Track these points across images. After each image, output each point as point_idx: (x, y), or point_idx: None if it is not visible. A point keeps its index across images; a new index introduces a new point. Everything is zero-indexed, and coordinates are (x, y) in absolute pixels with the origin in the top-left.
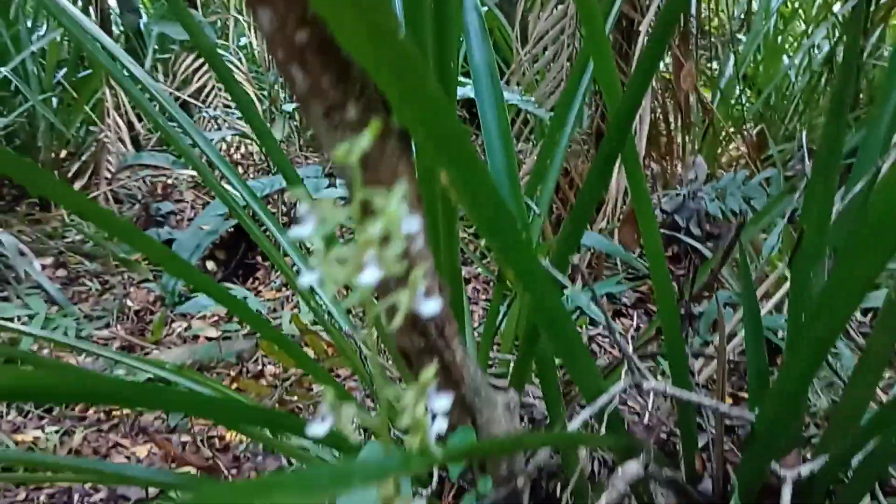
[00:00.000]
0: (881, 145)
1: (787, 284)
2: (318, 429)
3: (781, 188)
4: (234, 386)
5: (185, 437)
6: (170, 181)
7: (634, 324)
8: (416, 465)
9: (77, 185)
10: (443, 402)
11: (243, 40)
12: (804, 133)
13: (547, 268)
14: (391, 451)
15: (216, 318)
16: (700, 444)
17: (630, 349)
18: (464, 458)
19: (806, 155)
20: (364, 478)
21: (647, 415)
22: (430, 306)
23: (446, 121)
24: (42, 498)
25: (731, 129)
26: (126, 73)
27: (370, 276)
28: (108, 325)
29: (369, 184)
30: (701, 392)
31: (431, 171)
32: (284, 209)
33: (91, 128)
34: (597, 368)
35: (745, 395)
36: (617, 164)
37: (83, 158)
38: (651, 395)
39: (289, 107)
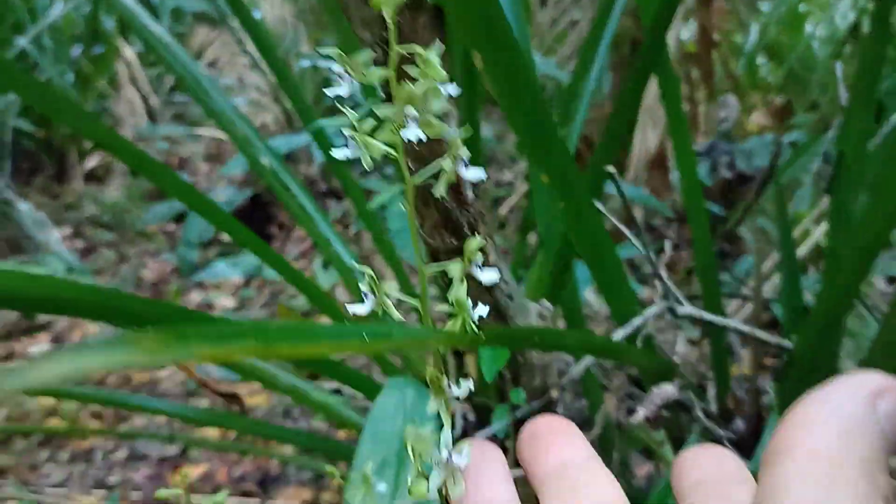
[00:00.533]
0: None
1: (812, 239)
2: (359, 309)
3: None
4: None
5: (204, 402)
6: (185, 154)
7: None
8: (457, 340)
9: (93, 159)
10: (491, 274)
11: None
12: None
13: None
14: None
15: (232, 287)
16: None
17: (665, 273)
18: (505, 345)
19: (841, 89)
20: (405, 338)
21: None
22: (475, 173)
23: None
24: (64, 457)
25: (755, 99)
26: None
27: (412, 133)
28: None
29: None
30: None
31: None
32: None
33: (106, 102)
34: (630, 288)
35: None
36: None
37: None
38: (678, 339)
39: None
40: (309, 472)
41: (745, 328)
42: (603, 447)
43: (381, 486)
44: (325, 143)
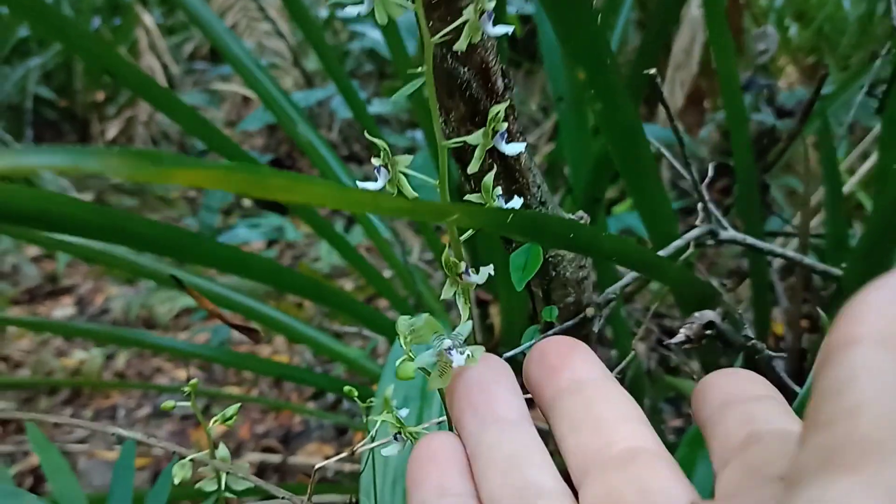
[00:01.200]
0: None
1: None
2: (370, 185)
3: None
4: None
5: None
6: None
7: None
8: (479, 217)
9: (114, 127)
10: (517, 146)
11: None
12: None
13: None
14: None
15: (254, 250)
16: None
17: (707, 195)
18: (534, 237)
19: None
20: (419, 208)
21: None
22: (500, 28)
23: None
24: (88, 414)
25: (785, 61)
26: None
27: None
28: None
29: None
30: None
31: None
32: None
33: None
34: (670, 204)
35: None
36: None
37: (120, 101)
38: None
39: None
40: (331, 428)
41: (791, 254)
42: (634, 394)
43: (404, 412)
44: (352, 98)
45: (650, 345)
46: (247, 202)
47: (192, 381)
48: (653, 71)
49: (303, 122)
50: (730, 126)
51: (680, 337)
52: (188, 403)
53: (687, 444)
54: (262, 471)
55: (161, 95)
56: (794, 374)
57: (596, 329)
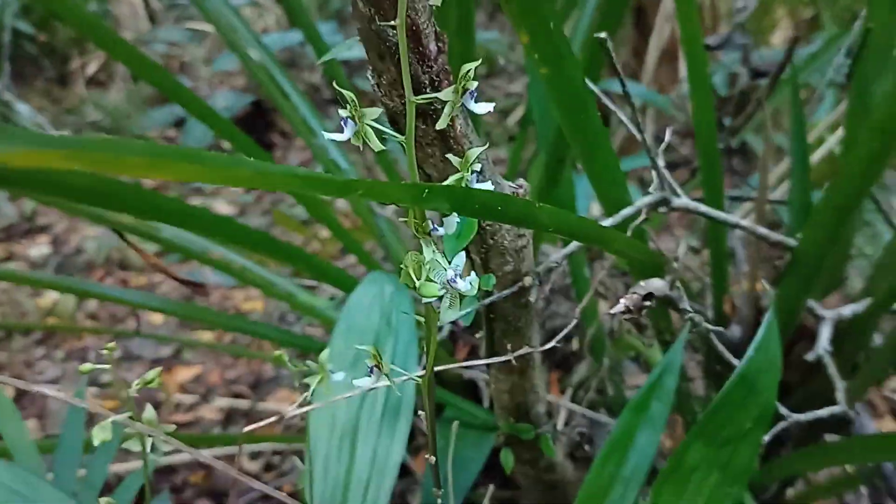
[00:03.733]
0: None
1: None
2: (337, 136)
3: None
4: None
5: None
6: (186, 58)
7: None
8: (394, 193)
9: (94, 63)
10: (486, 106)
11: None
12: None
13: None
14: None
15: (231, 193)
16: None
17: (661, 162)
18: (474, 210)
19: None
20: (331, 185)
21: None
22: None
23: None
24: (60, 355)
25: (782, 13)
26: None
27: None
28: None
29: None
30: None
31: None
32: (303, 88)
33: (107, 4)
34: (619, 168)
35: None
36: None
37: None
38: (681, 246)
39: None
40: (301, 375)
41: (744, 223)
42: (595, 355)
43: (339, 375)
44: (320, 44)
45: (612, 304)
46: (226, 144)
47: (109, 345)
48: (603, 35)
49: (275, 68)
50: (691, 87)
51: (619, 307)
52: (161, 347)
53: (630, 410)
54: (230, 416)
55: (124, 50)
56: (748, 339)
57: (533, 298)
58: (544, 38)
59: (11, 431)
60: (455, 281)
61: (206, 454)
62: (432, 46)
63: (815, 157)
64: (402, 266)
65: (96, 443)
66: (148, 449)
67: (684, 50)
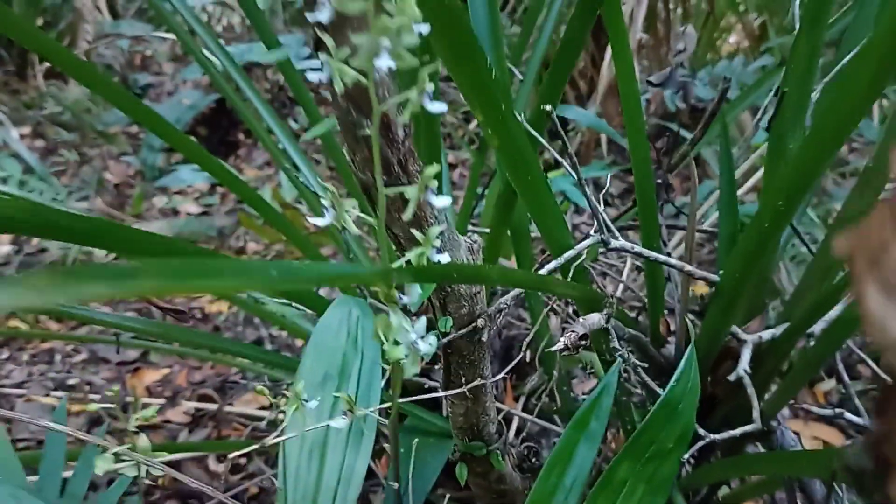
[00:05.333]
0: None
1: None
2: (319, 221)
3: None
4: None
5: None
6: (148, 52)
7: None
8: (372, 277)
9: None
10: (445, 200)
11: None
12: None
13: (521, 120)
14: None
15: (197, 192)
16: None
17: (601, 207)
18: (434, 280)
19: (796, 15)
20: (318, 277)
21: (620, 288)
22: (437, 106)
23: None
24: (24, 357)
25: (733, 19)
26: None
27: (384, 62)
28: (86, 198)
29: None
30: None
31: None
32: (268, 87)
33: None
34: (566, 223)
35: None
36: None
37: (60, 27)
38: (627, 265)
39: None
40: (267, 378)
41: (675, 262)
42: (546, 366)
43: (312, 404)
44: (282, 62)
45: (562, 319)
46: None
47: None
48: (548, 107)
49: (237, 73)
50: (628, 132)
51: (559, 345)
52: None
53: (571, 427)
54: (197, 419)
55: (71, 62)
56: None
57: (485, 338)
58: (495, 116)
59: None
60: (417, 343)
61: (200, 485)
62: (400, 132)
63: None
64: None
65: (100, 472)
66: (143, 474)
67: (621, 92)
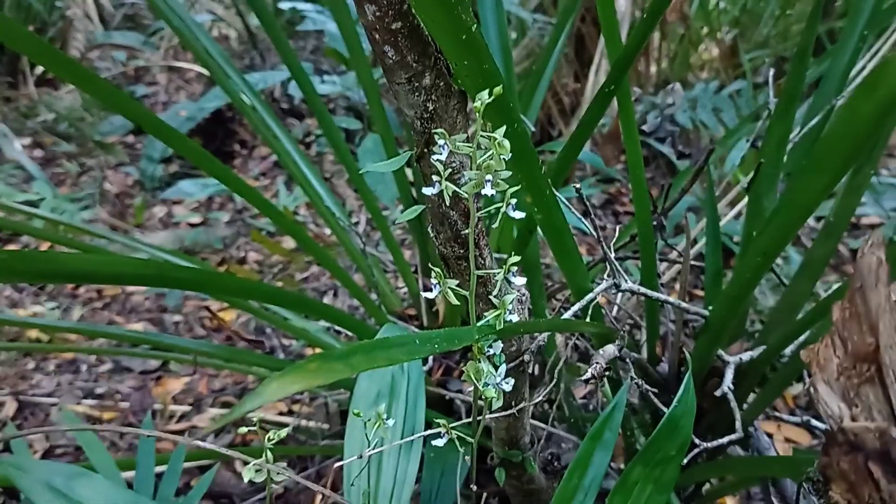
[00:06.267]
0: (838, 85)
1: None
2: (429, 294)
3: (751, 99)
4: (223, 269)
5: (177, 317)
6: (142, 62)
7: (602, 223)
8: (491, 332)
9: None
10: (521, 280)
11: None
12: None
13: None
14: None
15: (197, 204)
16: (660, 335)
17: (612, 255)
18: (500, 336)
19: (771, 82)
20: (441, 343)
21: (616, 308)
22: (518, 214)
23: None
24: (51, 367)
25: (706, 34)
26: None
27: (488, 189)
28: (87, 208)
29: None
30: (664, 291)
31: None
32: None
33: (58, 2)
34: (585, 268)
35: (701, 293)
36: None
37: (50, 35)
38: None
39: None
40: None
41: (672, 300)
42: (553, 377)
43: (391, 421)
44: (303, 82)
45: (566, 337)
46: None
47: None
48: (577, 186)
49: (244, 86)
50: (631, 181)
51: (587, 375)
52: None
53: (589, 438)
54: (222, 425)
55: (72, 69)
56: (674, 375)
57: (530, 370)
58: (540, 197)
59: (97, 457)
60: (501, 385)
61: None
62: (475, 215)
63: (734, 211)
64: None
65: (246, 479)
66: (271, 478)
67: (626, 148)
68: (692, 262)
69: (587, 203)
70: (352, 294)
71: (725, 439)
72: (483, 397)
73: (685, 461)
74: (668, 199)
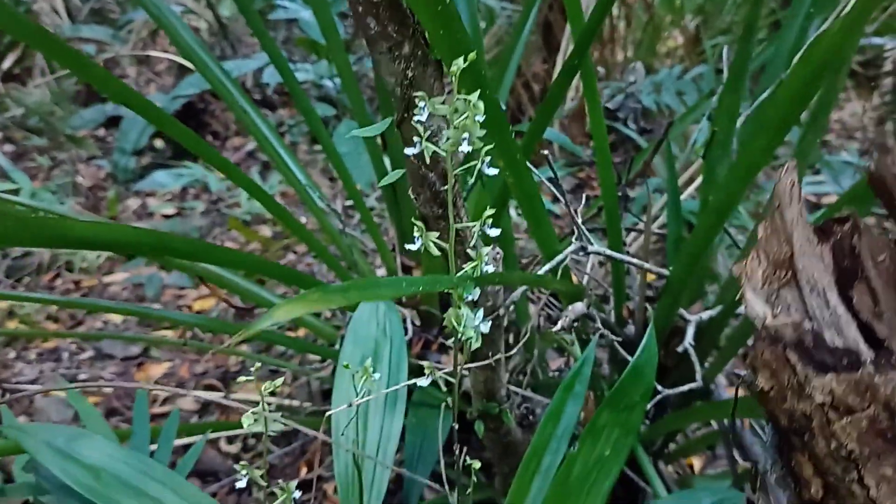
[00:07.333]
0: (785, 62)
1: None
2: (412, 246)
3: (713, 82)
4: None
5: (156, 306)
6: (111, 56)
7: (574, 208)
8: (470, 279)
9: (9, 57)
10: (495, 231)
11: None
12: (726, 49)
13: (520, 149)
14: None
15: (171, 195)
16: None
17: (580, 220)
18: (477, 284)
19: (725, 61)
20: (426, 286)
21: (585, 278)
22: (492, 171)
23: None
24: (32, 356)
25: (671, 22)
26: None
27: (465, 147)
28: (62, 203)
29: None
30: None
31: None
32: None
33: None
34: (555, 235)
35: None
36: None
37: None
38: (590, 259)
39: None
40: (265, 368)
41: (637, 262)
42: (526, 346)
43: (377, 375)
44: (285, 71)
45: (540, 307)
46: (159, 143)
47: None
48: (545, 152)
49: (222, 74)
50: (596, 155)
51: (558, 326)
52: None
53: (561, 389)
54: (205, 406)
55: (45, 38)
56: (639, 336)
57: (504, 323)
58: (511, 161)
59: (94, 425)
60: (479, 325)
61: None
62: (453, 179)
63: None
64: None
65: (246, 426)
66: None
67: (591, 125)
68: (656, 231)
69: (554, 170)
70: (331, 269)
71: (686, 387)
72: (462, 350)
73: (651, 413)
74: (632, 172)
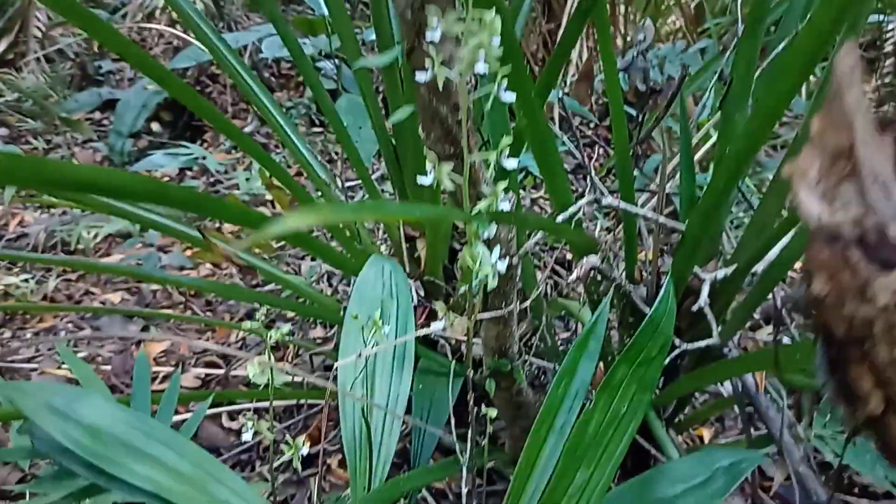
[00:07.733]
0: (800, 15)
1: (712, 139)
2: (425, 179)
3: (716, 54)
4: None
5: (154, 286)
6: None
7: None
8: (484, 215)
9: (3, 44)
10: (512, 161)
11: None
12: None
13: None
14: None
15: (169, 178)
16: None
17: (593, 173)
18: (503, 221)
19: (740, 20)
20: (449, 215)
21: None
22: (509, 96)
23: None
24: (28, 336)
25: (673, 3)
26: None
27: (481, 67)
28: None
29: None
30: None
31: None
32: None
33: None
34: (568, 185)
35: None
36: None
37: (9, 13)
38: (598, 225)
39: None
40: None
41: (652, 214)
42: (534, 313)
43: (386, 328)
44: (290, 43)
45: (547, 274)
46: (156, 127)
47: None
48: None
49: (228, 52)
50: (611, 113)
51: (573, 277)
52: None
53: (575, 347)
54: (206, 383)
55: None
56: (651, 297)
57: (518, 273)
58: (525, 101)
59: (92, 386)
60: (496, 263)
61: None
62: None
63: (704, 148)
64: (458, 258)
65: (251, 375)
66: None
67: (605, 81)
68: (669, 192)
69: (569, 116)
70: (336, 237)
71: (703, 342)
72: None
73: (664, 380)
74: (644, 129)
